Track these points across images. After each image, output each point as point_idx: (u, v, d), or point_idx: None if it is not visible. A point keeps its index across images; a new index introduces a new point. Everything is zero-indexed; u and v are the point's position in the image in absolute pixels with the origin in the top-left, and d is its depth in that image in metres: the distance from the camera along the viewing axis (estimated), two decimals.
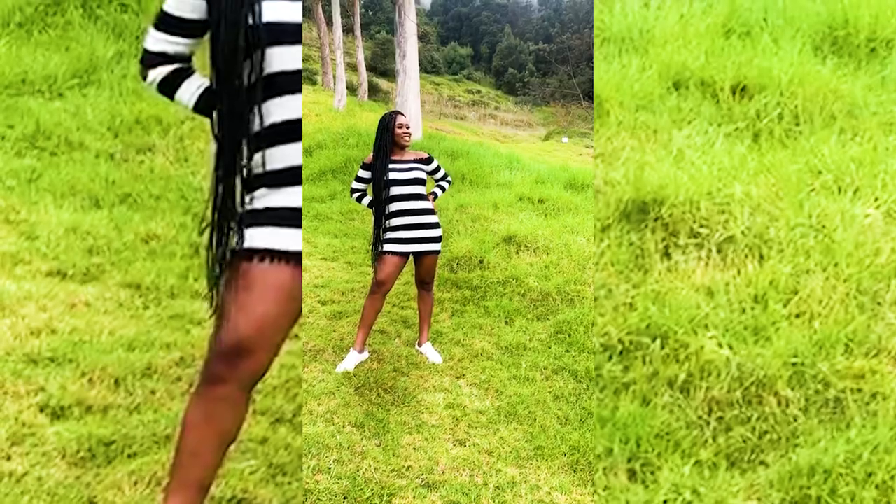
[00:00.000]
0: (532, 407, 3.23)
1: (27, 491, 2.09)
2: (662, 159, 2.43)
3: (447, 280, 5.51)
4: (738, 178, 2.37)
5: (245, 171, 1.68)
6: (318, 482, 2.41)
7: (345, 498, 2.34)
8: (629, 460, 2.12)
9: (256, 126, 1.66)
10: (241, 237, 1.67)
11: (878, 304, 2.22)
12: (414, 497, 2.39)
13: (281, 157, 1.63)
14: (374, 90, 33.69)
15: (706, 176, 2.37)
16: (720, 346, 2.19)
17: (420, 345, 3.96)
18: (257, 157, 1.67)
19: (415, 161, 3.73)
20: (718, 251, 2.33)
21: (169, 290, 3.26)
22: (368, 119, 15.98)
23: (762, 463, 2.10)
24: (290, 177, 1.64)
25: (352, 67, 31.27)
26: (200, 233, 1.71)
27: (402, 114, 3.72)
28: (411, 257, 3.77)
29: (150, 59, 1.75)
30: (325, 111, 18.12)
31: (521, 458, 2.76)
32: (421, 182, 3.71)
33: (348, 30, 31.07)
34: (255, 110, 1.66)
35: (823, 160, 2.43)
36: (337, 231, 7.61)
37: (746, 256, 2.30)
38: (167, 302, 3.20)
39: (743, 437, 2.12)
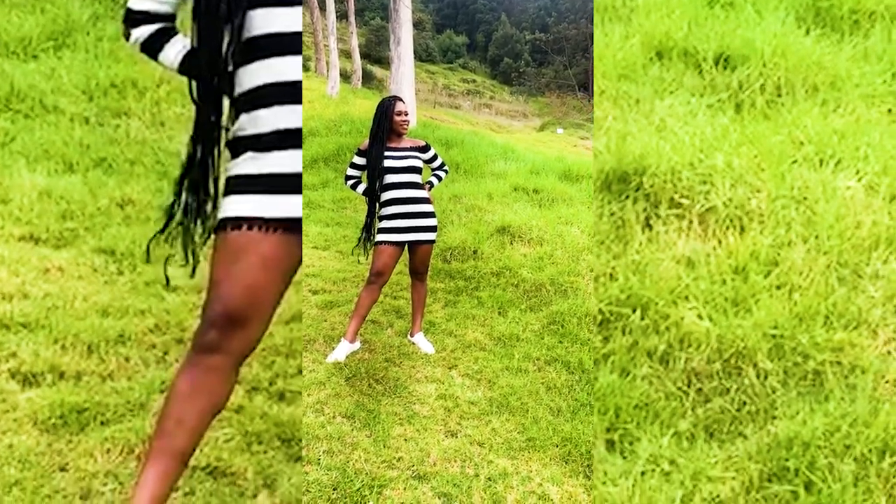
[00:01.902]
0: (524, 398, 3.22)
1: None
2: (644, 129, 2.41)
3: (440, 270, 5.48)
4: (720, 149, 2.35)
5: (225, 135, 1.65)
6: (307, 473, 2.38)
7: (335, 489, 2.31)
8: (608, 431, 2.11)
9: (238, 89, 1.63)
10: (215, 203, 1.64)
11: (859, 276, 2.21)
12: (405, 488, 2.37)
13: (268, 120, 1.59)
14: (368, 77, 33.49)
15: (688, 146, 2.35)
16: (700, 317, 2.17)
17: (412, 335, 3.92)
18: (241, 120, 1.63)
19: (411, 149, 3.67)
20: (700, 222, 2.31)
21: (144, 255, 3.20)
22: (362, 106, 15.91)
23: (741, 434, 2.09)
24: (279, 140, 1.59)
25: (345, 54, 31.07)
26: (175, 196, 1.68)
27: (401, 100, 3.65)
28: (406, 247, 3.72)
29: (134, 18, 1.71)
30: (318, 98, 18.02)
31: (513, 449, 2.75)
32: (417, 170, 3.65)
33: (342, 16, 30.88)
34: (236, 72, 1.62)
35: (805, 132, 2.41)
36: (329, 220, 7.56)
37: (727, 228, 2.28)
38: (142, 268, 3.15)
39: (722, 409, 2.11)
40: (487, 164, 9.27)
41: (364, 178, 3.75)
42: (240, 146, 1.64)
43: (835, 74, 2.59)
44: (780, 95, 2.55)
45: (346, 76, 26.07)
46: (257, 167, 1.60)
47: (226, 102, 1.69)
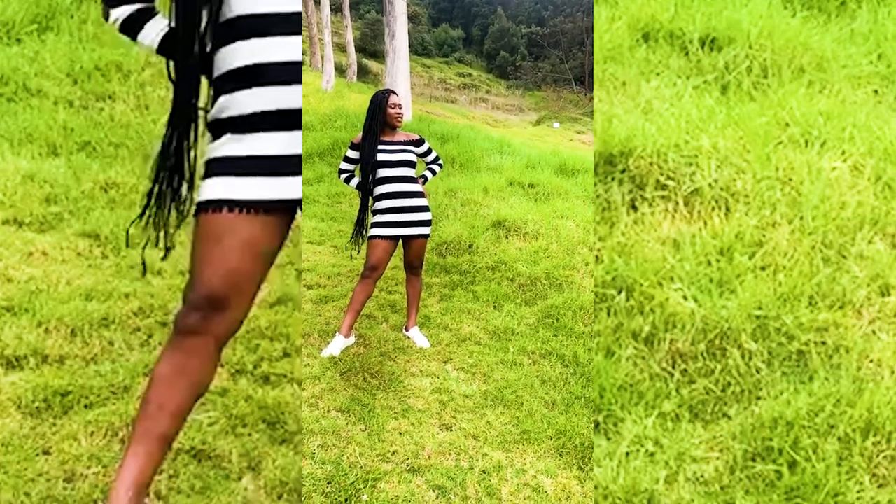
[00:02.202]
0: (519, 391, 3.21)
1: None
2: (630, 111, 2.40)
3: (436, 265, 5.46)
4: (706, 131, 2.34)
5: (205, 117, 1.64)
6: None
7: (329, 483, 2.30)
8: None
9: (217, 70, 1.62)
10: (191, 186, 1.63)
11: (844, 257, 2.21)
12: (399, 482, 2.36)
13: (247, 102, 1.58)
14: (363, 71, 33.43)
15: (674, 128, 2.34)
16: (685, 298, 2.17)
17: (407, 329, 3.91)
18: (220, 101, 1.62)
19: (405, 143, 3.64)
20: (685, 203, 2.30)
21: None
22: (357, 101, 15.82)
23: (725, 415, 2.09)
24: (260, 123, 1.57)
25: (341, 48, 31.00)
26: (153, 179, 1.67)
27: (394, 93, 3.61)
28: (400, 241, 3.70)
29: None
30: (313, 92, 17.92)
31: (508, 442, 2.74)
32: (410, 164, 3.61)
33: (337, 9, 30.80)
34: (215, 54, 1.61)
35: (791, 113, 2.40)
36: (324, 214, 7.53)
37: (713, 209, 2.28)
38: (126, 251, 3.13)
39: (706, 389, 2.11)
40: (483, 159, 9.24)
41: (357, 172, 3.72)
42: (219, 128, 1.62)
43: (821, 56, 2.59)
44: (766, 77, 2.55)
45: (341, 70, 25.98)
46: (236, 149, 1.59)
47: (206, 84, 1.68)
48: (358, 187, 3.68)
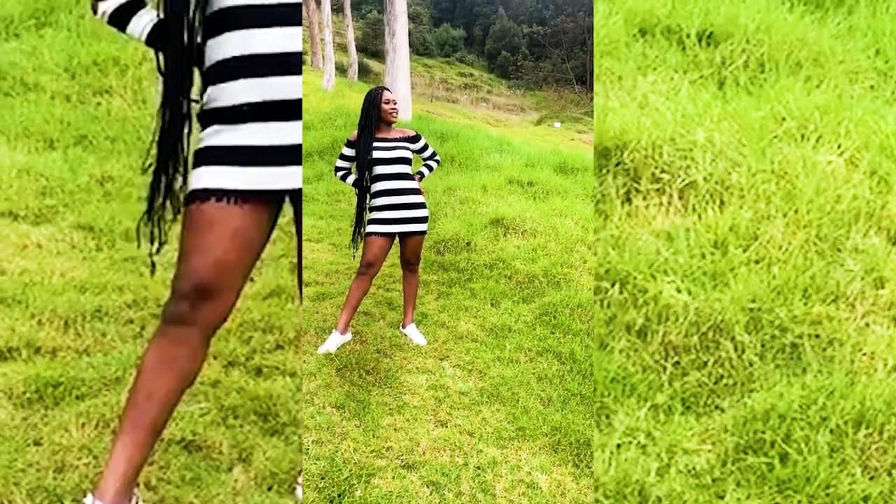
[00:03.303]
0: (515, 388, 3.21)
1: None
2: (626, 105, 2.39)
3: (433, 262, 5.46)
4: (702, 125, 2.34)
5: (189, 107, 1.63)
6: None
7: (322, 478, 2.30)
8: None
9: (207, 61, 1.62)
10: (184, 176, 1.63)
11: (838, 250, 2.21)
12: (393, 477, 2.36)
13: (235, 92, 1.58)
14: (364, 71, 33.41)
15: (669, 122, 2.34)
16: (678, 290, 2.16)
17: (404, 326, 3.90)
18: (209, 92, 1.62)
19: (401, 139, 3.63)
20: (679, 197, 2.30)
21: (123, 232, 3.19)
22: (358, 100, 15.74)
23: (717, 407, 2.09)
24: (247, 113, 1.58)
25: (342, 48, 30.98)
26: (144, 170, 1.67)
27: (388, 89, 3.61)
28: (397, 238, 3.69)
29: None
30: (314, 91, 17.93)
31: (503, 438, 2.74)
32: (406, 161, 3.61)
33: (338, 9, 30.79)
34: (204, 45, 1.61)
35: (787, 107, 2.40)
36: (322, 212, 7.53)
37: (707, 202, 2.27)
38: (121, 244, 3.13)
39: (699, 382, 2.11)
40: (482, 157, 9.24)
41: (354, 169, 3.72)
42: (208, 118, 1.62)
43: (818, 51, 2.59)
44: (763, 71, 2.54)
45: (342, 70, 25.98)
46: (223, 139, 1.59)
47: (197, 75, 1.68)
48: (354, 185, 3.68)
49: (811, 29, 2.67)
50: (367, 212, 3.63)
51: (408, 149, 3.64)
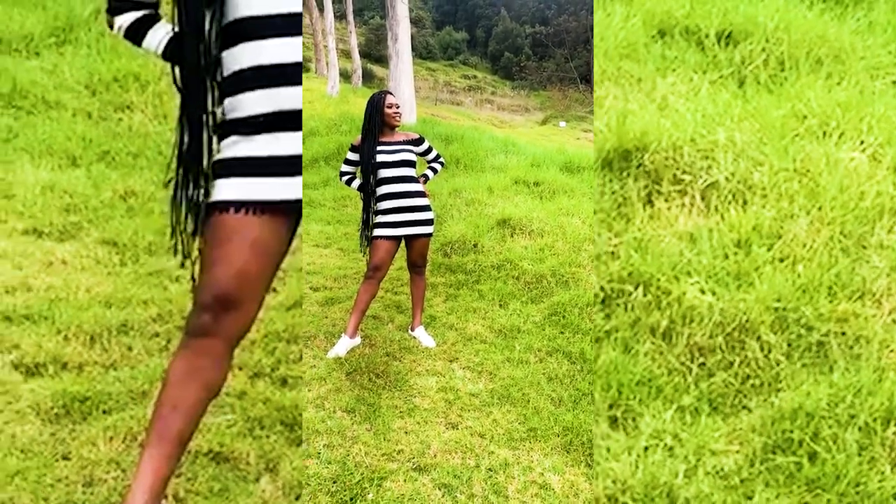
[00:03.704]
0: (525, 389, 3.20)
1: (0, 448, 2.08)
2: (646, 107, 2.39)
3: (441, 265, 5.46)
4: (723, 125, 2.33)
5: (211, 119, 1.64)
6: (307, 467, 2.37)
7: (334, 482, 2.30)
8: (610, 407, 2.10)
9: (223, 73, 1.62)
10: (206, 188, 1.63)
11: (863, 247, 2.19)
12: (405, 480, 2.36)
13: (252, 104, 1.59)
14: (368, 76, 33.46)
15: (690, 122, 2.33)
16: (703, 291, 2.16)
17: (413, 329, 3.91)
18: (226, 103, 1.63)
19: (404, 142, 3.65)
20: (702, 197, 2.29)
21: (147, 246, 3.21)
22: (362, 105, 15.73)
23: (744, 408, 2.07)
24: (267, 124, 1.59)
25: (345, 54, 31.05)
26: (165, 185, 1.68)
27: (390, 93, 3.64)
28: (403, 241, 3.70)
29: (116, 7, 1.72)
30: (319, 98, 17.98)
31: (514, 439, 2.73)
32: (411, 164, 3.62)
33: (341, 16, 30.85)
34: (220, 56, 1.61)
35: (809, 105, 2.39)
36: (329, 218, 7.55)
37: (730, 202, 2.26)
38: (145, 258, 3.15)
39: (725, 383, 2.10)
40: (488, 158, 9.23)
41: (359, 173, 3.73)
42: (226, 130, 1.63)
43: (839, 47, 2.57)
44: (783, 70, 2.53)
45: (346, 76, 26.03)
46: (242, 150, 1.60)
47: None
48: (360, 189, 3.70)
49: (831, 26, 2.66)
50: (373, 215, 3.65)
51: (412, 151, 3.66)
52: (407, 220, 3.57)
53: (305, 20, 27.57)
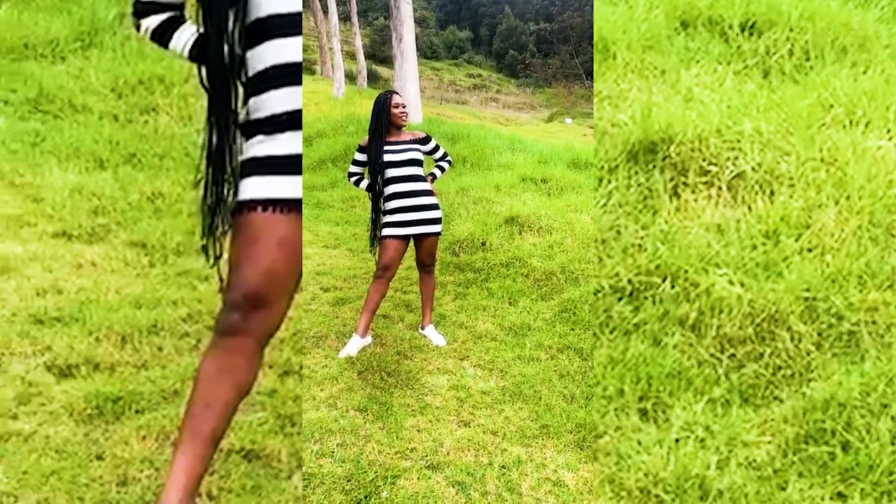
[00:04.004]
0: (537, 386, 3.20)
1: (35, 449, 2.09)
2: (670, 99, 2.39)
3: (449, 263, 5.46)
4: (748, 115, 2.33)
5: (236, 119, 1.65)
6: (321, 466, 2.38)
7: (348, 480, 2.31)
8: (640, 400, 2.10)
9: (248, 72, 1.64)
10: (236, 187, 1.65)
11: (892, 235, 2.19)
12: (418, 478, 2.37)
13: (276, 102, 1.60)
14: (374, 77, 33.52)
15: (715, 113, 2.33)
16: (731, 283, 2.15)
17: (423, 328, 3.92)
18: (251, 103, 1.64)
19: (411, 141, 3.66)
20: (728, 188, 2.29)
21: (175, 247, 3.23)
22: (368, 106, 15.81)
23: (776, 398, 2.07)
24: (288, 122, 1.61)
25: (350, 55, 31.09)
26: (195, 185, 1.69)
27: (396, 93, 3.65)
28: (412, 240, 3.71)
29: (142, 9, 1.74)
30: (324, 100, 18.03)
31: (527, 437, 2.73)
32: (418, 163, 3.63)
33: (346, 17, 30.88)
34: (245, 56, 1.63)
35: (835, 94, 2.38)
36: (338, 219, 7.56)
37: (757, 193, 2.26)
38: (173, 259, 3.18)
39: (756, 374, 2.10)
40: (494, 156, 9.21)
41: (366, 174, 3.74)
42: (252, 129, 1.64)
43: (864, 36, 2.56)
44: (808, 59, 2.53)
45: (351, 77, 26.07)
46: (268, 149, 1.62)
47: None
48: (367, 189, 3.71)
49: (855, 14, 2.65)
50: (382, 215, 3.66)
51: (419, 150, 3.67)
52: (415, 220, 3.58)
53: (310, 23, 27.62)
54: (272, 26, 1.59)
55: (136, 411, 2.29)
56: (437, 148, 3.86)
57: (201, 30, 1.66)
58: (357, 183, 3.81)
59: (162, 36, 1.75)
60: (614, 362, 2.13)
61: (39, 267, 3.03)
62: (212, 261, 1.72)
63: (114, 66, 4.37)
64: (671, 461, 1.98)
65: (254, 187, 1.61)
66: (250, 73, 1.63)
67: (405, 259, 3.76)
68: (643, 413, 2.10)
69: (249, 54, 1.63)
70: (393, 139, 3.62)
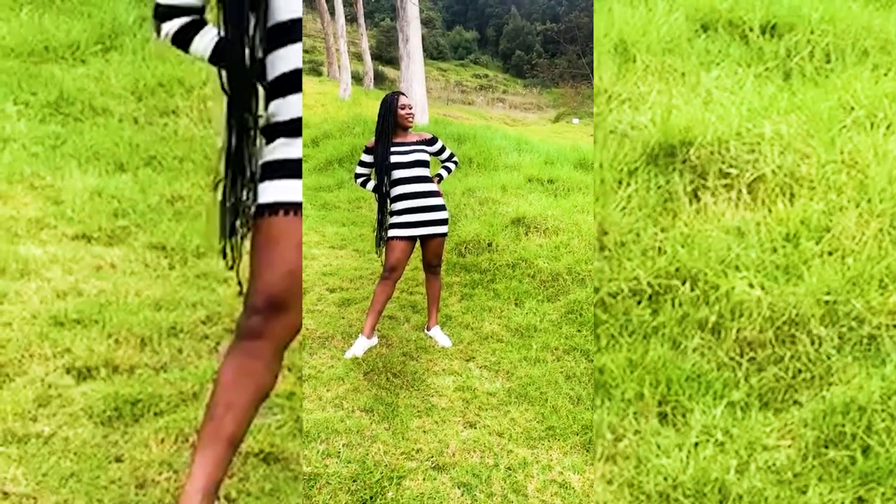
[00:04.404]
0: (543, 387, 3.19)
1: (54, 451, 2.10)
2: (690, 102, 2.38)
3: (455, 264, 5.45)
4: (768, 118, 2.32)
5: (256, 122, 1.66)
6: (327, 466, 2.38)
7: (354, 481, 2.31)
8: (660, 404, 2.10)
9: (269, 75, 1.64)
10: (255, 191, 1.65)
11: None
12: (424, 479, 2.37)
13: (296, 106, 1.61)
14: (380, 78, 33.55)
15: (735, 116, 2.32)
16: (751, 286, 2.15)
17: (429, 329, 3.92)
18: (272, 106, 1.64)
19: (418, 143, 3.66)
20: (748, 191, 2.28)
21: (194, 249, 3.25)
22: (374, 107, 15.82)
23: (796, 402, 2.06)
24: (300, 127, 1.62)
25: (357, 57, 31.12)
26: (213, 187, 1.69)
27: (403, 94, 3.66)
28: (418, 241, 3.72)
29: (163, 13, 1.73)
30: (331, 101, 18.04)
31: (533, 438, 2.73)
32: (424, 164, 3.64)
33: (352, 19, 30.91)
34: (265, 59, 1.63)
35: (856, 96, 2.37)
36: (344, 219, 7.56)
37: (777, 195, 2.25)
38: (193, 261, 3.19)
39: (776, 377, 2.09)
40: (500, 157, 9.19)
41: (373, 175, 3.75)
42: (273, 132, 1.65)
43: (885, 38, 2.55)
44: (829, 62, 2.52)
45: (358, 78, 26.08)
46: (289, 153, 1.62)
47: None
48: (374, 190, 3.71)
49: (876, 16, 2.64)
50: (388, 216, 3.66)
51: (425, 151, 3.67)
52: (422, 221, 3.59)
53: (317, 24, 27.66)
54: (293, 30, 1.60)
55: (155, 414, 2.30)
56: (443, 149, 3.87)
57: (222, 33, 1.67)
58: (363, 184, 3.81)
59: (183, 39, 1.75)
60: (633, 365, 2.13)
61: (59, 269, 3.05)
62: (231, 263, 1.72)
63: (134, 68, 4.40)
64: (690, 465, 1.97)
65: (275, 190, 1.61)
66: (270, 78, 1.64)
67: (411, 260, 3.76)
68: (662, 416, 2.10)
69: (270, 58, 1.64)
70: (399, 140, 3.63)
